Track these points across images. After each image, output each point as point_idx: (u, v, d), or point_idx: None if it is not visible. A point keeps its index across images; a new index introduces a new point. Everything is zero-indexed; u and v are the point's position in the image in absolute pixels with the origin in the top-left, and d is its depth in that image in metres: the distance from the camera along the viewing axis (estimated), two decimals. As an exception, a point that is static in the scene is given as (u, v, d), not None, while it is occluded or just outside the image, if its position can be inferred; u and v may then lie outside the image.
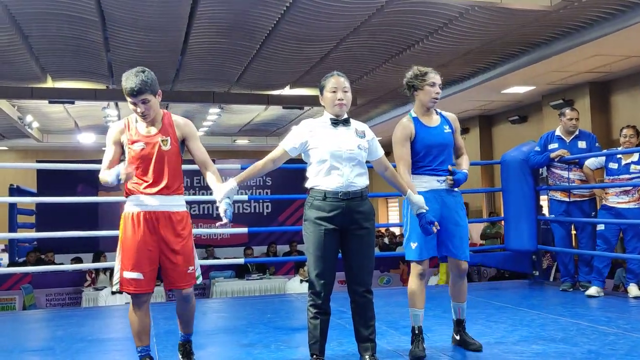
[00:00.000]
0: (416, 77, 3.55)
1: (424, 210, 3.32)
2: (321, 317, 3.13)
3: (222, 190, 3.10)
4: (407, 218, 3.51)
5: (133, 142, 3.15)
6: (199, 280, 3.27)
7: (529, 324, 4.25)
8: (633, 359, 3.26)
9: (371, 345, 3.18)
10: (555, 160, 5.75)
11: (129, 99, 3.11)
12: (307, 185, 3.20)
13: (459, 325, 3.64)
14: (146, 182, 3.13)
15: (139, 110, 3.12)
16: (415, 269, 3.53)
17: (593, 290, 5.33)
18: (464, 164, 3.68)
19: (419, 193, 3.42)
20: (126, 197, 3.18)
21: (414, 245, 3.47)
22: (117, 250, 3.14)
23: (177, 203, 3.19)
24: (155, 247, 3.09)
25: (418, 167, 3.53)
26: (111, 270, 8.71)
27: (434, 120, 3.58)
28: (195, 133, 3.34)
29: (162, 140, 3.16)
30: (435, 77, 3.52)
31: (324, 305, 3.13)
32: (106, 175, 3.08)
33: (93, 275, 9.16)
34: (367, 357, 3.15)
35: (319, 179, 3.13)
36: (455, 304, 3.64)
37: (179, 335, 3.39)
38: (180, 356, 3.35)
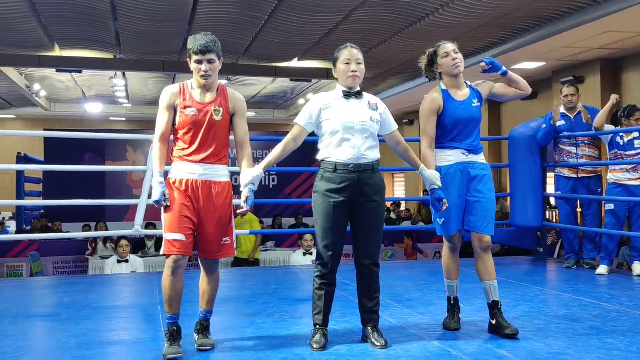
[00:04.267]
0: (429, 58, 3.52)
1: (437, 187, 3.28)
2: (327, 288, 3.15)
3: (248, 176, 3.11)
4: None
5: (185, 107, 3.10)
6: (235, 253, 3.25)
7: (532, 299, 4.27)
8: (635, 336, 3.27)
9: (374, 317, 3.20)
10: (561, 134, 5.72)
11: (195, 57, 3.07)
12: (319, 157, 3.19)
13: (494, 308, 3.38)
14: (192, 149, 3.10)
15: (203, 68, 3.06)
16: (446, 243, 3.53)
17: (603, 269, 5.33)
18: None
19: (444, 167, 3.39)
20: (171, 162, 3.17)
21: (440, 220, 3.42)
22: (162, 214, 3.11)
23: (220, 173, 3.15)
24: (194, 214, 3.07)
25: (444, 140, 3.46)
26: (105, 239, 8.85)
27: (463, 94, 3.48)
28: (245, 111, 3.31)
29: (215, 110, 3.12)
30: (446, 47, 3.45)
31: (330, 276, 3.15)
32: (156, 183, 3.05)
33: (94, 244, 9.22)
34: (369, 328, 3.18)
35: (330, 151, 3.13)
36: (485, 283, 3.42)
37: (199, 312, 3.26)
38: (195, 334, 3.20)
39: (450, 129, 3.43)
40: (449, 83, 3.48)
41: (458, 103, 3.45)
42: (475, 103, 3.48)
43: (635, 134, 5.44)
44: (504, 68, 3.60)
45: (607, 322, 3.58)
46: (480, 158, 3.49)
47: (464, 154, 3.43)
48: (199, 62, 3.07)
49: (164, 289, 3.08)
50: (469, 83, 3.55)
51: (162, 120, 3.14)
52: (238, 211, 3.19)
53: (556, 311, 3.91)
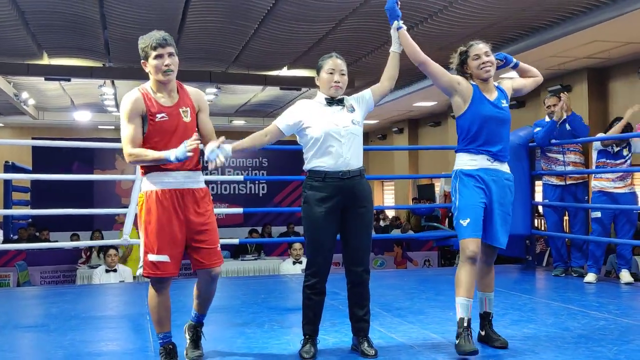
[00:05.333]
0: (460, 57, 3.36)
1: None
2: (316, 297, 3.15)
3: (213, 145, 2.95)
4: (456, 193, 3.25)
5: (154, 114, 2.90)
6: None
7: (521, 307, 4.28)
8: (623, 344, 3.29)
9: (365, 326, 3.20)
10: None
11: (154, 53, 2.87)
12: (306, 167, 3.18)
13: (485, 319, 3.34)
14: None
15: (165, 62, 2.88)
16: (464, 250, 3.16)
17: (591, 277, 5.36)
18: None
19: (466, 170, 3.23)
20: (144, 174, 2.95)
21: (465, 221, 3.15)
22: (140, 232, 2.93)
23: (200, 179, 3.02)
24: (182, 227, 2.90)
25: (469, 143, 3.26)
26: (99, 249, 8.77)
27: (493, 95, 3.30)
28: (207, 105, 3.17)
29: (183, 111, 2.96)
30: (477, 48, 3.28)
31: (320, 285, 3.14)
32: (168, 154, 2.80)
33: (88, 253, 9.17)
34: (360, 337, 3.17)
35: (316, 160, 3.12)
36: (482, 294, 3.35)
37: (192, 315, 3.20)
38: (188, 339, 3.15)
39: (476, 131, 3.23)
40: (479, 85, 3.30)
41: (488, 100, 3.27)
42: (504, 103, 3.31)
43: (624, 143, 5.49)
44: (515, 60, 3.51)
45: (596, 330, 3.60)
46: (505, 167, 3.30)
47: (488, 159, 3.24)
48: (160, 56, 2.88)
49: (152, 310, 2.98)
50: (496, 84, 3.39)
51: (130, 129, 2.89)
52: (209, 167, 3.04)
53: (545, 319, 3.93)
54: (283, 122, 3.19)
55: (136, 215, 3.02)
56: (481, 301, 3.36)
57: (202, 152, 2.99)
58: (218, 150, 2.89)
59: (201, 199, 2.99)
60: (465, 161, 3.25)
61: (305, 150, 3.19)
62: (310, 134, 3.13)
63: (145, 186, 2.95)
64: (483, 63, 3.25)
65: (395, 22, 3.38)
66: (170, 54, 2.91)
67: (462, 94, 3.26)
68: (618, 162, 5.48)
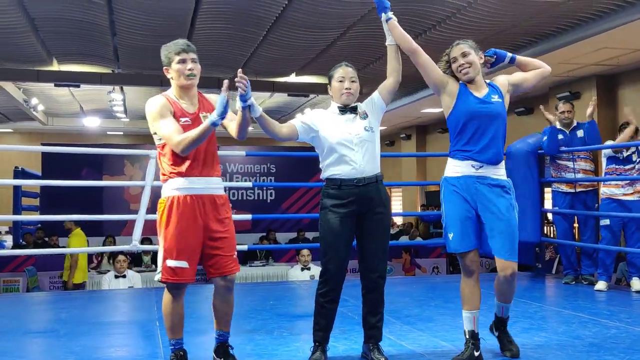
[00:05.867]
0: (445, 59, 3.27)
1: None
2: (330, 305, 3.14)
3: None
4: (442, 203, 3.17)
5: (178, 117, 2.90)
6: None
7: (531, 315, 4.26)
8: (635, 353, 3.26)
9: (377, 334, 3.19)
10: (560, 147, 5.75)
11: (178, 57, 2.92)
12: (322, 176, 3.20)
13: (499, 322, 3.29)
14: (189, 162, 2.89)
15: (188, 66, 2.91)
16: (461, 263, 3.15)
17: (602, 285, 5.32)
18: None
19: (450, 178, 3.14)
20: (165, 180, 2.94)
21: (451, 235, 3.11)
22: (159, 237, 2.91)
23: (220, 185, 3.02)
24: (200, 233, 2.89)
25: (456, 143, 3.14)
26: (110, 255, 8.79)
27: (482, 92, 3.15)
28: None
29: (203, 117, 2.92)
30: (453, 51, 3.20)
31: (335, 293, 3.13)
32: (211, 120, 2.77)
33: (99, 258, 9.21)
34: (370, 345, 3.17)
35: (332, 169, 3.14)
36: (499, 302, 3.27)
37: (215, 335, 3.10)
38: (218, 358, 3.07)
39: (462, 128, 3.11)
40: (467, 83, 3.19)
41: (475, 96, 3.14)
42: (495, 98, 3.13)
43: (633, 149, 5.47)
44: (510, 54, 3.30)
45: (607, 339, 3.57)
46: (496, 172, 3.10)
47: (473, 166, 3.08)
48: (183, 61, 2.93)
49: (166, 316, 2.95)
50: (488, 81, 3.24)
51: (168, 123, 2.87)
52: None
53: (556, 328, 3.91)
54: (299, 120, 3.24)
55: (156, 221, 3.00)
56: (497, 305, 3.29)
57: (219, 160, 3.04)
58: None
59: (221, 205, 2.97)
60: (451, 167, 3.16)
61: (321, 159, 3.21)
62: (325, 143, 3.15)
63: (166, 192, 2.93)
64: (460, 65, 3.16)
65: (384, 14, 3.33)
66: (193, 60, 2.95)
67: (450, 92, 3.17)
68: (627, 167, 5.45)
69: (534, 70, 3.29)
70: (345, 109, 3.20)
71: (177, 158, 2.90)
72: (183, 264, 2.86)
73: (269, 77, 12.47)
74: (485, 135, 3.08)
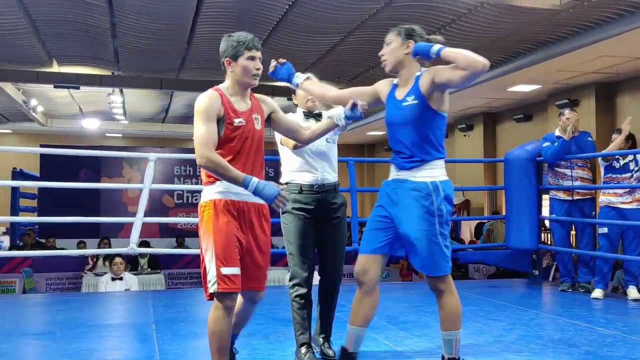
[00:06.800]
0: None
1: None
2: (308, 307, 3.25)
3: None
4: None
5: (233, 118, 2.69)
6: None
7: (527, 323, 4.26)
8: (630, 361, 3.27)
9: (329, 331, 3.37)
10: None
11: (248, 53, 2.71)
12: (283, 180, 3.32)
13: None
14: (240, 167, 2.66)
15: (257, 66, 2.73)
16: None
17: (598, 292, 5.33)
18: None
19: (384, 181, 2.95)
20: (210, 182, 2.71)
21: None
22: (207, 243, 2.65)
23: None
24: (244, 242, 2.69)
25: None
26: (106, 257, 8.77)
27: (404, 91, 2.84)
28: (275, 103, 3.01)
29: (255, 118, 2.76)
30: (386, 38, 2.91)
31: (309, 294, 3.25)
32: (248, 181, 2.61)
33: (95, 259, 9.19)
34: (321, 339, 3.34)
35: (293, 174, 3.28)
36: (441, 332, 2.90)
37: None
38: None
39: (389, 135, 2.92)
40: (398, 81, 2.91)
41: (393, 101, 2.88)
42: (410, 100, 2.78)
43: (630, 157, 5.48)
44: (435, 47, 2.71)
45: (603, 347, 3.58)
46: (416, 175, 2.78)
47: (395, 169, 2.88)
48: (253, 58, 2.72)
49: (216, 336, 2.61)
50: (418, 73, 2.84)
51: (207, 129, 2.64)
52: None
53: (552, 335, 3.91)
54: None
55: (198, 227, 2.78)
56: (443, 341, 2.89)
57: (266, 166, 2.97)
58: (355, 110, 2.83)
59: (264, 216, 2.80)
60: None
61: (283, 162, 3.34)
62: (288, 150, 3.26)
63: (209, 195, 2.70)
64: (380, 56, 2.89)
65: (292, 82, 3.08)
66: (260, 59, 2.78)
67: (384, 97, 2.95)
68: (624, 176, 5.46)
69: (460, 70, 2.69)
70: (309, 115, 3.28)
71: (226, 159, 2.67)
72: (236, 270, 2.62)
73: (269, 81, 12.43)
74: (399, 139, 2.83)
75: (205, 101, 2.68)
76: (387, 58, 2.86)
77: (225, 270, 2.59)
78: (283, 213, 3.24)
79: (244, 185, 2.61)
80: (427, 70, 2.80)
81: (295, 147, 3.16)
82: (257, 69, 2.75)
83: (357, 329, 2.86)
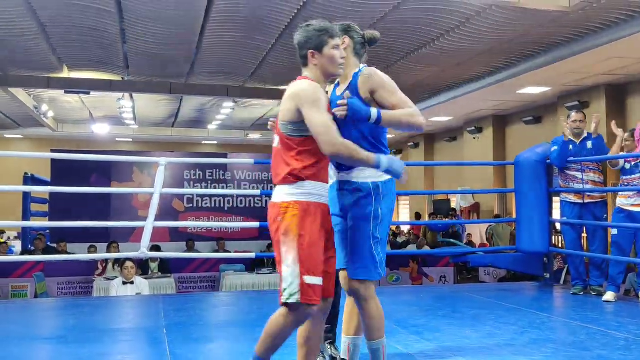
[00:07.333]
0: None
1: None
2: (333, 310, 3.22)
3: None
4: None
5: (330, 109, 2.55)
6: None
7: (539, 326, 4.24)
8: (643, 365, 3.24)
9: (334, 337, 3.36)
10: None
11: (332, 42, 2.56)
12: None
13: None
14: (324, 163, 2.51)
15: (342, 55, 2.58)
16: None
17: (610, 295, 5.29)
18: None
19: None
20: (293, 181, 2.48)
21: None
22: (288, 247, 2.44)
23: None
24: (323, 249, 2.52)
25: None
26: (115, 261, 8.80)
27: (342, 87, 2.79)
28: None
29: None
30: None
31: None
32: (379, 160, 2.49)
33: (104, 264, 9.23)
34: (327, 344, 3.34)
35: None
36: (347, 337, 2.86)
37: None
38: None
39: None
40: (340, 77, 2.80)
41: (335, 99, 2.72)
42: (346, 97, 2.63)
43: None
44: (373, 114, 2.55)
45: (616, 350, 3.55)
46: (353, 175, 2.67)
47: (334, 171, 2.74)
48: (337, 47, 2.58)
49: (278, 338, 2.50)
50: (357, 71, 2.74)
51: (329, 118, 2.48)
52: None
53: (564, 339, 3.89)
54: None
55: (275, 228, 2.53)
56: (343, 344, 2.90)
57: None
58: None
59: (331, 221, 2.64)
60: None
61: None
62: None
63: (292, 195, 2.48)
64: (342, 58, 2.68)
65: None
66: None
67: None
68: (633, 177, 5.43)
69: (404, 121, 2.60)
70: None
71: (315, 158, 2.50)
72: (320, 281, 2.44)
73: (278, 84, 12.51)
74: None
75: (316, 90, 2.50)
76: (345, 59, 2.70)
77: (309, 280, 2.41)
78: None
79: (376, 164, 2.49)
80: (368, 74, 2.68)
81: None
82: (343, 58, 2.60)
83: (352, 338, 2.86)
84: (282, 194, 2.50)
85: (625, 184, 5.47)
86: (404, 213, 21.02)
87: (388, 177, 2.67)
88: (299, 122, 2.48)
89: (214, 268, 9.56)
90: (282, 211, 2.48)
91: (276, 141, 2.59)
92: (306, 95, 2.47)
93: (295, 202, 2.46)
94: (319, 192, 2.50)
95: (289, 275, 2.42)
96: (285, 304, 2.44)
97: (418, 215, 17.94)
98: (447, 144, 17.15)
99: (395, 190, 2.79)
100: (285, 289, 2.43)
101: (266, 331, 2.51)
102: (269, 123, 2.79)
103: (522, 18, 7.97)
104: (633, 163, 5.46)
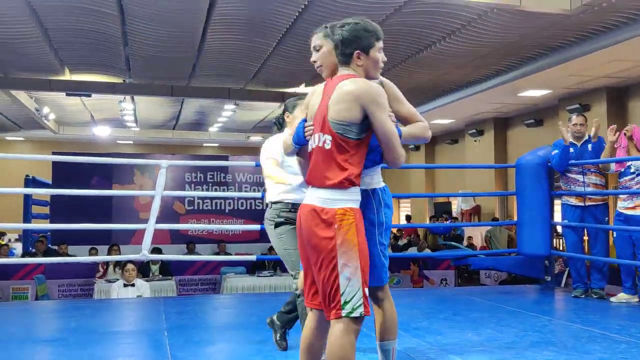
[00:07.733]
0: None
1: None
2: None
3: None
4: None
5: None
6: None
7: (540, 329, 4.23)
8: (645, 368, 3.24)
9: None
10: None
11: (378, 45, 2.50)
12: (272, 199, 3.44)
13: None
14: (361, 170, 2.42)
15: (384, 58, 2.50)
16: None
17: (621, 296, 5.31)
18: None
19: None
20: (347, 186, 2.35)
21: None
22: (348, 258, 2.29)
23: None
24: None
25: None
26: (116, 263, 8.80)
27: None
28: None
29: None
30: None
31: None
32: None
33: (105, 266, 9.23)
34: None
35: (283, 195, 3.41)
36: (379, 342, 2.74)
37: None
38: None
39: None
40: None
41: None
42: None
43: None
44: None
45: (617, 353, 3.55)
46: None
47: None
48: (381, 50, 2.50)
49: (351, 355, 2.29)
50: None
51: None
52: None
53: (565, 342, 3.88)
54: (272, 157, 3.44)
55: (326, 235, 2.33)
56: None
57: None
58: None
59: None
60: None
61: (271, 185, 3.45)
62: (287, 172, 3.32)
63: (346, 202, 2.35)
64: (314, 62, 2.75)
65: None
66: None
67: None
68: (625, 178, 5.44)
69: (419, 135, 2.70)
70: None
71: (363, 163, 2.41)
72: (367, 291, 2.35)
73: (279, 87, 12.53)
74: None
75: (383, 92, 2.41)
76: (323, 63, 2.65)
77: (366, 291, 2.32)
78: (276, 227, 3.39)
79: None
80: (380, 84, 2.61)
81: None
82: (383, 62, 2.51)
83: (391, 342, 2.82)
84: (331, 199, 2.34)
85: (621, 187, 5.49)
86: (405, 214, 21.01)
87: (384, 184, 2.66)
88: (359, 124, 2.35)
89: (215, 270, 9.56)
90: (339, 219, 2.31)
91: (320, 141, 2.40)
92: (377, 98, 2.35)
93: (350, 209, 2.34)
94: (358, 196, 2.41)
95: (350, 287, 2.28)
96: (345, 318, 2.29)
97: (408, 218, 18.00)
98: (448, 146, 17.16)
99: (391, 194, 2.75)
100: (346, 302, 2.27)
101: (333, 358, 2.29)
102: (307, 128, 2.55)
103: (523, 21, 7.98)
104: (626, 166, 5.45)
